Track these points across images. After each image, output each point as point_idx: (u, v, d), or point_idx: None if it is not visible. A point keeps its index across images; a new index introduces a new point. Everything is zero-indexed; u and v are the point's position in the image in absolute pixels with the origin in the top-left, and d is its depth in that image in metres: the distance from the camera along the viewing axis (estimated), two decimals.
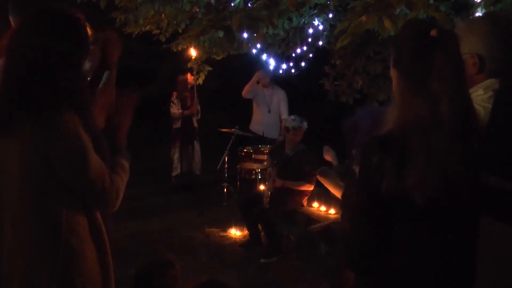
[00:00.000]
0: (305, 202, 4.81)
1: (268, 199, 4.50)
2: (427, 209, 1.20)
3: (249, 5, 3.66)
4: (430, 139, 1.19)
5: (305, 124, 4.71)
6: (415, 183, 1.18)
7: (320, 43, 5.35)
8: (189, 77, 6.38)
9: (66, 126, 1.42)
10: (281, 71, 6.29)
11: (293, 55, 5.78)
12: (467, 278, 1.24)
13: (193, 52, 4.72)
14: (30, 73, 1.44)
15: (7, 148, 1.46)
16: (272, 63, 6.11)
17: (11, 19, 2.02)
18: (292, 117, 4.79)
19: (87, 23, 1.53)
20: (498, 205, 1.12)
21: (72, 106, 1.45)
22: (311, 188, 4.72)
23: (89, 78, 2.13)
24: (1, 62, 1.53)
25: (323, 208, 4.91)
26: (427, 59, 1.22)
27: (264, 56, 5.87)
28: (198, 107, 6.78)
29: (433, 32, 1.23)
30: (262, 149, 5.95)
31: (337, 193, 4.32)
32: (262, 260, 4.26)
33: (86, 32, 1.53)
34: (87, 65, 2.03)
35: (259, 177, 5.74)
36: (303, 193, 4.72)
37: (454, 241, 1.24)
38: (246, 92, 6.42)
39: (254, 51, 5.19)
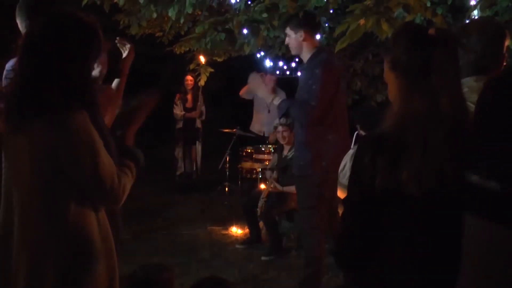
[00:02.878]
0: None
1: (262, 209, 4.56)
2: (418, 204, 1.22)
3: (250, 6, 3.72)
4: (427, 132, 1.21)
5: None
6: (410, 177, 1.19)
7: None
8: (189, 78, 6.44)
9: (76, 122, 1.44)
10: (281, 73, 6.35)
11: (293, 56, 5.84)
12: (452, 273, 1.23)
13: (202, 59, 4.80)
14: (42, 73, 1.47)
15: (17, 144, 1.48)
16: (272, 64, 6.18)
17: (18, 21, 2.03)
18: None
19: (99, 27, 1.58)
20: (481, 204, 1.15)
21: (82, 105, 1.47)
22: None
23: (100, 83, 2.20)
24: (14, 61, 1.59)
25: None
26: (427, 56, 1.24)
27: (267, 61, 5.93)
28: (203, 108, 6.82)
29: (431, 31, 1.27)
30: (263, 149, 5.99)
31: (339, 192, 4.35)
32: (263, 258, 4.32)
33: (99, 35, 1.57)
34: (96, 70, 2.11)
35: (260, 176, 5.80)
36: None
37: (441, 236, 1.25)
38: (244, 92, 6.48)
39: (255, 52, 5.25)
